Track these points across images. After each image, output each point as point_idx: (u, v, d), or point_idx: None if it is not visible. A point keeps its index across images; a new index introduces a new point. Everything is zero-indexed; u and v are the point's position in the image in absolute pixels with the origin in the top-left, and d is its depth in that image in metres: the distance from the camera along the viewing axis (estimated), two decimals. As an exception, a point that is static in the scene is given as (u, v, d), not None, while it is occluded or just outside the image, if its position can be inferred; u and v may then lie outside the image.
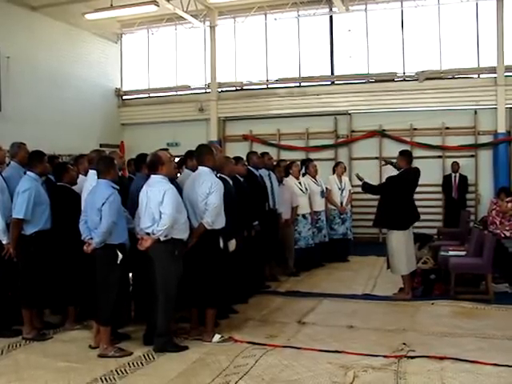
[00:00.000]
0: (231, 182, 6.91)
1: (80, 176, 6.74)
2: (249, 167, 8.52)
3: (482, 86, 13.55)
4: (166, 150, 6.41)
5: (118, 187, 5.71)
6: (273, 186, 9.09)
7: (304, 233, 9.93)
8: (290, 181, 9.95)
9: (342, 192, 11.01)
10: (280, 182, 9.60)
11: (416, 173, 8.08)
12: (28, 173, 6.25)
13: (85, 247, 5.63)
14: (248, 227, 7.67)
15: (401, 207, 7.89)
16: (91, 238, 5.58)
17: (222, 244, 6.11)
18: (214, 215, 5.92)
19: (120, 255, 5.55)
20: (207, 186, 5.92)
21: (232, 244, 6.48)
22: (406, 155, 8.16)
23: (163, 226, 5.46)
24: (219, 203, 5.97)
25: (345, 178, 11.31)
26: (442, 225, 13.20)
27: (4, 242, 6.11)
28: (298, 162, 10.69)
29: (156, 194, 5.56)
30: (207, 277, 5.96)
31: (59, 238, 6.23)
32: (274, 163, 10.02)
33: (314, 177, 10.59)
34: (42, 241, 6.13)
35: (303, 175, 10.47)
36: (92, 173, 6.08)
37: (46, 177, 6.67)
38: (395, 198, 7.86)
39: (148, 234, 5.60)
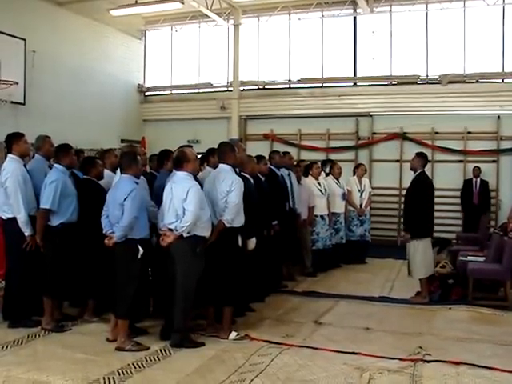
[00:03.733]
0: (252, 181, 6.93)
1: (105, 171, 6.79)
2: (270, 166, 8.54)
3: (506, 90, 13.39)
4: (191, 146, 6.42)
5: (139, 182, 5.78)
6: (292, 186, 9.10)
7: (322, 234, 9.92)
8: (309, 181, 9.94)
9: (361, 194, 11.00)
10: (298, 181, 9.58)
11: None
12: (55, 165, 6.34)
13: (106, 241, 5.68)
14: (268, 226, 7.69)
15: (425, 212, 7.94)
16: (113, 232, 5.64)
17: (240, 242, 6.13)
18: (233, 213, 5.95)
19: (141, 250, 5.59)
20: (228, 184, 5.95)
21: (252, 242, 6.47)
22: (423, 157, 8.18)
23: (186, 223, 5.49)
24: (239, 201, 5.99)
25: (365, 180, 11.29)
26: (461, 230, 13.12)
27: (26, 234, 6.19)
28: (319, 163, 10.66)
29: (180, 191, 5.59)
30: (225, 275, 5.99)
31: (83, 231, 6.30)
32: (295, 163, 10.02)
33: (337, 178, 10.58)
34: (68, 233, 6.20)
35: (327, 175, 10.47)
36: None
37: (71, 171, 6.73)
38: (420, 203, 7.88)
39: (171, 229, 5.63)
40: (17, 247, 6.21)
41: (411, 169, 8.19)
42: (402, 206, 8.40)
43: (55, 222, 6.17)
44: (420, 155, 8.21)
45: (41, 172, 6.42)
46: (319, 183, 10.03)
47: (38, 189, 6.27)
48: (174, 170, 5.97)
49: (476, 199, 12.91)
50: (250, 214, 6.24)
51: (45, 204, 6.09)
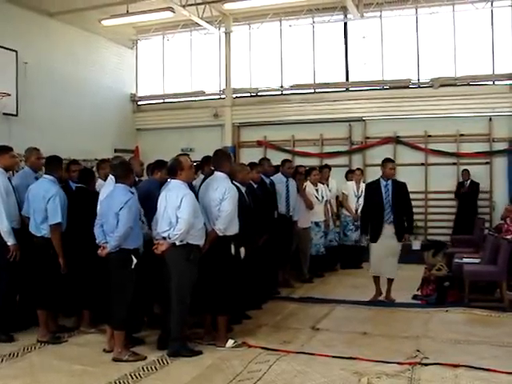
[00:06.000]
0: (244, 190, 6.87)
1: (98, 180, 6.78)
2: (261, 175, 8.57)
3: (497, 92, 13.45)
4: (187, 155, 6.40)
5: (133, 192, 5.78)
6: (289, 193, 9.05)
7: (315, 240, 9.92)
8: (308, 188, 9.89)
9: (358, 199, 10.95)
10: (299, 189, 9.48)
11: None
12: (47, 176, 6.30)
13: (99, 251, 5.67)
14: (262, 234, 7.66)
15: None
16: (106, 242, 5.62)
17: (233, 250, 6.10)
18: (226, 222, 5.92)
19: (134, 260, 5.58)
20: (221, 192, 5.93)
21: (242, 251, 6.40)
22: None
23: (179, 231, 5.48)
24: (232, 210, 5.96)
25: (364, 186, 11.23)
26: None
27: (9, 244, 6.13)
28: (318, 169, 10.60)
29: (174, 199, 5.58)
30: (218, 283, 5.97)
31: (76, 241, 6.26)
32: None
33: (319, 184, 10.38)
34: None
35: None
36: (111, 178, 6.12)
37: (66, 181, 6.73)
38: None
39: (164, 238, 5.62)
40: (1, 258, 6.13)
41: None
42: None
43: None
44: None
45: (25, 184, 6.43)
46: (317, 190, 10.01)
47: (23, 198, 6.32)
48: (168, 179, 5.96)
49: (465, 201, 12.94)
50: (240, 223, 6.19)
51: (55, 218, 6.05)
